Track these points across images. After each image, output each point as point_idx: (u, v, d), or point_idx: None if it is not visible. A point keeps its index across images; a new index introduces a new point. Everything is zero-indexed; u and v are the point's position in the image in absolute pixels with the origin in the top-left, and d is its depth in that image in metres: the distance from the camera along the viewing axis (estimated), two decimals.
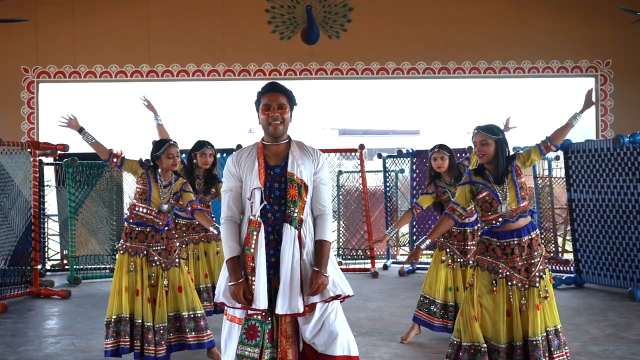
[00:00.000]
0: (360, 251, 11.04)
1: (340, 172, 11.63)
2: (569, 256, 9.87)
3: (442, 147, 5.66)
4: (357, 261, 11.04)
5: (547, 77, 12.01)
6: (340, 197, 11.41)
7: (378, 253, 10.95)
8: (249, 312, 3.33)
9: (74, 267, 9.36)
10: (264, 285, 3.28)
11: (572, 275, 8.66)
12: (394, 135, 32.13)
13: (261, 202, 3.35)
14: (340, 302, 3.48)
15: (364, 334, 6.04)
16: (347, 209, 11.36)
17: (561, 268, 9.49)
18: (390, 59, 11.63)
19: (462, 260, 5.61)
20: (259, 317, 3.32)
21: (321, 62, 11.61)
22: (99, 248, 9.74)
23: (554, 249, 10.51)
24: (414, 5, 11.64)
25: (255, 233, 3.31)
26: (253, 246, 3.32)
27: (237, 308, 3.36)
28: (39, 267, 8.80)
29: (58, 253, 10.99)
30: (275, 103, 3.39)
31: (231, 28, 11.45)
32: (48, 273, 10.07)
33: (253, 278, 3.30)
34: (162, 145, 5.00)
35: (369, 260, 10.22)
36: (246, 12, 11.50)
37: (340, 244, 11.37)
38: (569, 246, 10.20)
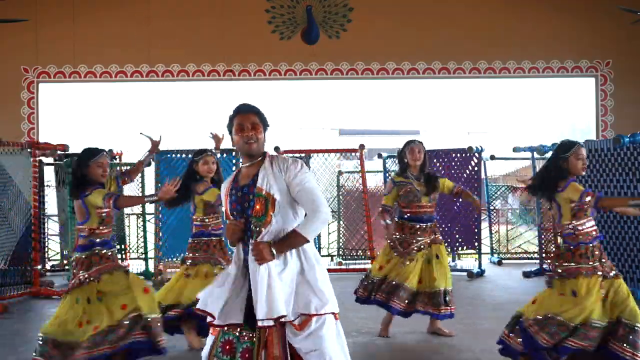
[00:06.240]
0: (360, 251, 11.03)
1: (340, 172, 11.62)
2: None
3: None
4: (357, 261, 11.03)
5: (547, 77, 12.02)
6: (340, 197, 11.40)
7: (378, 253, 10.92)
8: (226, 324, 3.25)
9: None
10: (220, 292, 3.24)
11: None
12: (394, 135, 32.12)
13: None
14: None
15: (364, 334, 6.04)
16: (347, 209, 11.35)
17: None
18: (390, 59, 11.63)
19: None
20: (236, 332, 3.23)
21: (321, 62, 11.61)
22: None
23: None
24: (414, 5, 11.64)
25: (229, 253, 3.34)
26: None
27: (207, 313, 3.27)
28: (39, 267, 8.80)
29: (58, 253, 10.99)
30: (248, 123, 3.34)
31: (231, 28, 11.45)
32: (48, 273, 10.07)
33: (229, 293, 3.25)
34: (96, 153, 4.79)
35: (369, 261, 10.20)
36: (246, 12, 11.49)
37: (340, 244, 11.37)
38: None
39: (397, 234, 6.00)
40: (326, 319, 3.22)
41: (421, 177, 6.01)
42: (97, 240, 4.77)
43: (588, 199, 4.35)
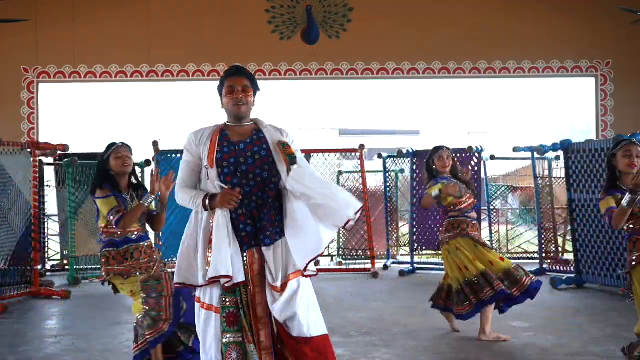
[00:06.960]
0: (360, 251, 11.03)
1: (340, 172, 11.62)
2: (569, 256, 9.87)
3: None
4: (357, 261, 11.03)
5: (547, 77, 12.03)
6: None
7: (378, 253, 10.95)
8: (224, 299, 3.34)
9: (74, 267, 9.36)
10: (226, 253, 3.28)
11: (573, 276, 8.65)
12: (394, 135, 32.11)
13: (219, 179, 3.36)
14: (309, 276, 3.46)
15: (364, 334, 6.03)
16: None
17: (561, 268, 9.49)
18: (390, 59, 11.63)
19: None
20: (233, 302, 3.33)
21: (321, 62, 11.61)
22: (99, 248, 9.71)
23: (554, 249, 10.52)
24: (414, 5, 11.65)
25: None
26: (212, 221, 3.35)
27: (196, 285, 3.37)
28: (39, 267, 8.80)
29: (58, 253, 10.98)
30: (239, 85, 3.43)
31: (231, 28, 11.45)
32: (48, 273, 10.06)
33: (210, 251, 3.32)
34: (112, 145, 4.74)
35: (369, 261, 10.21)
36: (246, 12, 11.50)
37: (340, 244, 11.37)
38: (569, 246, 10.20)
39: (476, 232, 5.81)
40: (301, 280, 3.36)
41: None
42: (106, 238, 4.85)
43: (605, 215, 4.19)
